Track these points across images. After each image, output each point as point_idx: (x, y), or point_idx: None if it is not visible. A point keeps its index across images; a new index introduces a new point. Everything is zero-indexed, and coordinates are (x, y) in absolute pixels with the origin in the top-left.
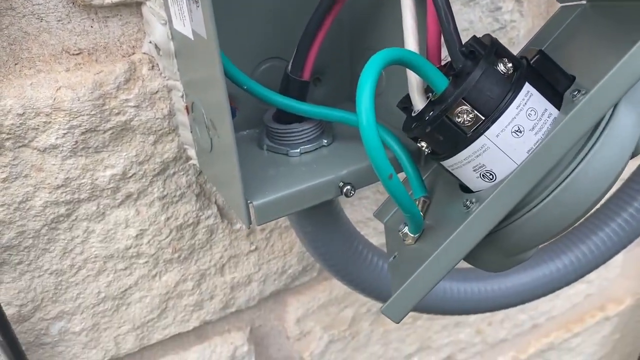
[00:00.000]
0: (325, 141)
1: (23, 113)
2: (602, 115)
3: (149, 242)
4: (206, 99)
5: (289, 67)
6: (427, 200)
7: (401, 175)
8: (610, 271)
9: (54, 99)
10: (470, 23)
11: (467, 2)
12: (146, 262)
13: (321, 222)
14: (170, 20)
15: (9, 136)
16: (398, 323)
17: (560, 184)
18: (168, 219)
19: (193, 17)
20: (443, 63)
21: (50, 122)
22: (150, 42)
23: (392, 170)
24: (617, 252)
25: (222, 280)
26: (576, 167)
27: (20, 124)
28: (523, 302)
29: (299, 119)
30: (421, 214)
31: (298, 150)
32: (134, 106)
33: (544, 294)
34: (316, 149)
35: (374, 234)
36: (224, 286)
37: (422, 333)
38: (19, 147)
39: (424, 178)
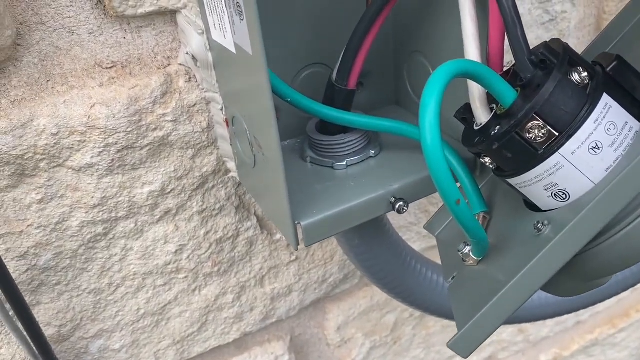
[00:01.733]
0: (373, 152)
1: (57, 132)
2: None
3: (188, 257)
4: (250, 117)
5: (334, 75)
6: (488, 216)
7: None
8: None
9: (89, 117)
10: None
11: None
12: (186, 277)
13: (369, 235)
14: (207, 30)
15: (44, 157)
16: (466, 358)
17: None
18: (207, 232)
19: (236, 30)
20: (505, 69)
21: (85, 141)
22: (187, 53)
23: (460, 195)
24: None
25: (262, 291)
26: None
27: (55, 143)
28: (594, 304)
29: (344, 129)
30: (487, 238)
31: (344, 162)
32: (171, 121)
33: (616, 294)
34: (363, 160)
35: (417, 239)
36: (264, 297)
37: None
38: (54, 167)
39: (480, 187)
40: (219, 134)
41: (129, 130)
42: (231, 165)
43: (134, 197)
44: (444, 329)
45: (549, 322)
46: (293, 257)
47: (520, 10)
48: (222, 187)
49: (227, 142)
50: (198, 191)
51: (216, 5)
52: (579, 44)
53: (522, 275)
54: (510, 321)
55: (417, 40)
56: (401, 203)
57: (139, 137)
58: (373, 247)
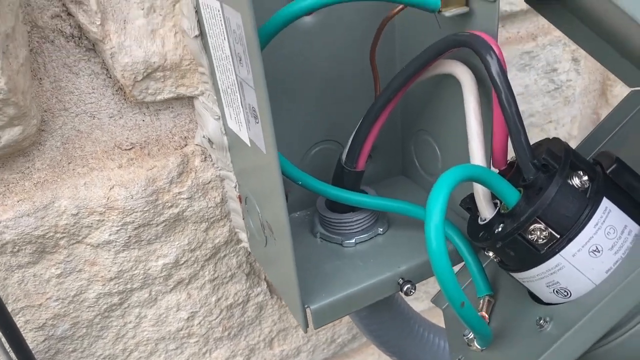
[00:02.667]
0: (381, 229)
1: (77, 213)
2: None
3: (199, 323)
4: (263, 204)
5: (344, 157)
6: (492, 300)
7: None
8: None
9: (107, 198)
10: (525, 87)
11: (523, 67)
12: (197, 341)
13: (378, 307)
14: (223, 116)
15: (63, 235)
16: None
17: None
18: (219, 299)
19: (250, 127)
20: (509, 161)
21: (103, 220)
22: (203, 136)
23: (465, 298)
24: None
25: (271, 353)
26: None
27: (74, 223)
28: None
29: (353, 207)
30: (491, 333)
31: (353, 240)
32: (186, 198)
33: None
34: (371, 238)
35: (425, 297)
36: (272, 359)
37: None
38: (73, 244)
39: (484, 265)
40: (231, 207)
41: (145, 209)
42: (243, 236)
43: (149, 269)
44: None
45: None
46: None
47: (526, 80)
48: (234, 255)
49: (240, 215)
50: (210, 261)
51: (232, 101)
52: (583, 108)
53: None
54: None
55: (423, 119)
56: (409, 285)
57: (155, 215)
58: (381, 317)
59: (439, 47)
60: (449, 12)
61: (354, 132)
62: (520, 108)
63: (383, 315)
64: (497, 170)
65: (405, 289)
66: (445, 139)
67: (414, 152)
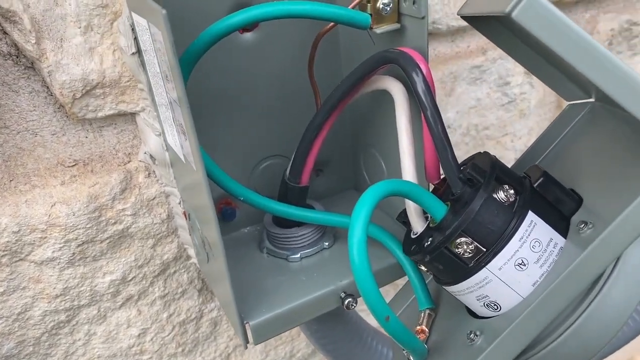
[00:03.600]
0: (327, 244)
1: (18, 230)
2: (611, 259)
3: (151, 339)
4: (201, 221)
5: (287, 174)
6: (433, 313)
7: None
8: None
9: (49, 215)
10: (478, 100)
11: (474, 80)
12: (150, 357)
13: (327, 320)
14: (164, 133)
15: (5, 252)
16: None
17: (569, 327)
18: (170, 315)
19: (183, 144)
20: (442, 177)
21: (46, 237)
22: (145, 153)
23: (389, 312)
24: None
25: None
26: (584, 311)
27: (16, 240)
28: None
29: (299, 222)
30: (424, 346)
31: (298, 255)
32: (131, 214)
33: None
34: (317, 252)
35: None
36: None
37: None
38: (16, 261)
39: (428, 280)
40: (178, 223)
41: (88, 226)
42: (192, 252)
43: (96, 286)
44: None
45: None
46: None
47: (479, 94)
48: (184, 271)
49: (187, 231)
50: (159, 277)
51: (167, 117)
52: (540, 120)
53: None
54: None
55: (370, 135)
56: (350, 299)
57: (99, 232)
58: (333, 331)
59: (371, 63)
60: (380, 29)
61: (296, 148)
62: (474, 121)
63: (334, 329)
64: (431, 185)
65: (346, 302)
66: (389, 153)
67: (363, 166)
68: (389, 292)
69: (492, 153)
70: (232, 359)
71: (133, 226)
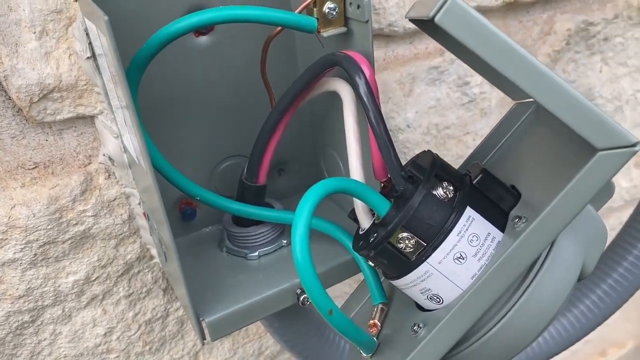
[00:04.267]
0: (285, 241)
1: None
2: (541, 249)
3: (118, 338)
4: (156, 222)
5: (244, 173)
6: (385, 308)
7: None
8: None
9: (9, 217)
10: (437, 101)
11: (432, 81)
12: (117, 356)
13: (288, 316)
14: (121, 135)
15: None
16: None
17: (504, 317)
18: (136, 314)
19: (134, 145)
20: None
21: (6, 239)
22: (103, 155)
23: (333, 305)
24: (591, 329)
25: None
26: (518, 300)
27: None
28: None
29: (257, 221)
30: (371, 338)
31: (256, 253)
32: (92, 215)
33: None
34: (275, 250)
35: None
36: None
37: None
38: None
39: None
40: (140, 224)
41: (49, 227)
42: (154, 251)
43: (59, 286)
44: None
45: None
46: None
47: (438, 94)
48: (148, 271)
49: (148, 232)
50: (124, 277)
51: (121, 120)
52: None
53: None
54: None
55: (327, 135)
56: (305, 296)
57: (60, 233)
58: (294, 327)
59: (318, 66)
60: (327, 33)
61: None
62: (434, 121)
63: (296, 326)
64: (380, 184)
65: (302, 299)
66: (346, 154)
67: (323, 166)
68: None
69: (454, 151)
70: (200, 357)
71: (94, 227)
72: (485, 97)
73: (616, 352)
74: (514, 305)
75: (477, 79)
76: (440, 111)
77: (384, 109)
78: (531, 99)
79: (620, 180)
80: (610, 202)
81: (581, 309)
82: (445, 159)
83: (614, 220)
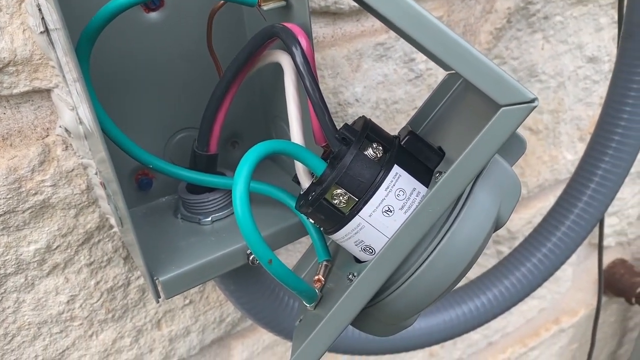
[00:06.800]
0: None
1: None
2: (455, 195)
3: (81, 305)
4: (110, 188)
5: (195, 143)
6: (329, 264)
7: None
8: (562, 285)
9: None
10: (385, 76)
11: (379, 57)
12: (81, 323)
13: (243, 278)
14: (76, 107)
15: None
16: None
17: (426, 259)
18: (98, 283)
19: (87, 116)
20: None
21: None
22: (60, 126)
23: (272, 255)
24: (526, 295)
25: (160, 333)
26: (438, 245)
27: None
28: (429, 344)
29: (210, 189)
30: (311, 288)
31: (209, 219)
32: (50, 185)
33: (452, 337)
34: (228, 215)
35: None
36: (162, 339)
37: None
38: None
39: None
40: (98, 194)
41: (9, 197)
42: (113, 221)
43: (21, 254)
44: (352, 357)
45: (460, 344)
46: (187, 301)
47: (385, 70)
48: (109, 240)
49: (106, 201)
50: (84, 246)
51: (75, 92)
52: None
53: (330, 316)
54: (340, 350)
55: (276, 106)
56: (254, 256)
57: (20, 202)
58: (248, 290)
59: (258, 38)
60: (267, 6)
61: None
62: (383, 96)
63: (250, 288)
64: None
65: (251, 258)
66: None
67: (274, 137)
68: None
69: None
70: (162, 324)
71: (54, 197)
72: (432, 74)
73: (569, 320)
74: (434, 249)
75: (423, 55)
76: (388, 86)
77: (332, 84)
78: None
79: (566, 153)
80: (557, 174)
81: (522, 271)
82: (395, 133)
83: (559, 191)
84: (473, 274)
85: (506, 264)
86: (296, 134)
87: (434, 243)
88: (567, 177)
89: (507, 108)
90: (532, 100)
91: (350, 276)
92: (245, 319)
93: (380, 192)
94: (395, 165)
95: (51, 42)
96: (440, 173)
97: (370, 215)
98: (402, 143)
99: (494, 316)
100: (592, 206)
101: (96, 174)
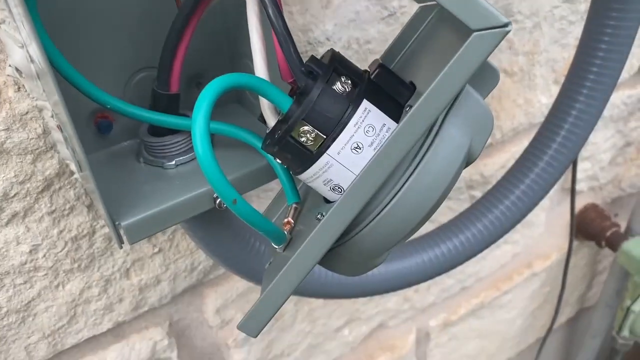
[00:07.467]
0: None
1: None
2: (425, 128)
3: (44, 255)
4: (65, 128)
5: (155, 82)
6: (299, 207)
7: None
8: (535, 230)
9: None
10: (357, 13)
11: None
12: (45, 274)
13: (211, 224)
14: (26, 45)
15: None
16: (255, 337)
17: (395, 195)
18: (61, 232)
19: (36, 51)
20: None
21: None
22: (10, 66)
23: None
24: (498, 237)
25: (129, 283)
26: (407, 180)
27: None
28: (401, 287)
29: (173, 130)
30: (279, 229)
31: (173, 162)
32: (3, 129)
33: (424, 280)
34: (192, 159)
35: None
36: (131, 289)
37: (349, 306)
38: None
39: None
40: (56, 139)
41: None
42: (74, 167)
43: None
44: (326, 303)
45: (434, 289)
46: (156, 250)
47: (357, 7)
48: (70, 187)
49: (64, 146)
50: (44, 193)
51: (21, 29)
52: None
53: (298, 255)
54: (311, 295)
55: (242, 44)
56: (221, 199)
57: None
58: (217, 236)
59: None
60: None
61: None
62: (355, 35)
63: (219, 234)
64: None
65: (218, 202)
66: None
67: None
68: None
69: None
70: (131, 273)
71: (8, 141)
72: (405, 12)
73: (542, 264)
74: (404, 184)
75: None
76: (360, 25)
77: (302, 21)
78: (433, 1)
79: (540, 97)
80: (531, 117)
81: (495, 213)
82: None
83: (533, 135)
84: (446, 218)
85: (479, 206)
86: (260, 68)
87: (403, 179)
88: (541, 120)
89: (480, 33)
90: (506, 24)
91: (319, 216)
92: (217, 267)
93: (349, 129)
94: (365, 100)
95: None
96: (411, 107)
97: (339, 153)
98: (371, 77)
99: (467, 258)
100: (565, 147)
101: (52, 116)
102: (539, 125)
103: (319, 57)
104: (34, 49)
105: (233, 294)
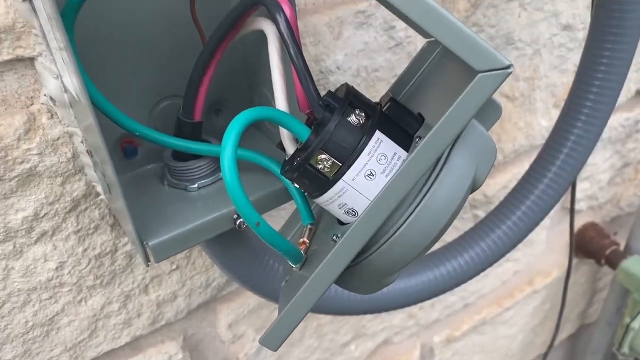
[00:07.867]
0: None
1: None
2: (434, 159)
3: (69, 272)
4: (97, 153)
5: (180, 110)
6: (313, 228)
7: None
8: (536, 248)
9: None
10: (365, 44)
11: (360, 25)
12: (70, 290)
13: (229, 244)
14: (61, 75)
15: None
16: (275, 351)
17: (407, 219)
18: (85, 250)
19: (74, 85)
20: None
21: None
22: (45, 95)
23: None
24: (501, 256)
25: (147, 298)
26: (418, 205)
27: None
28: (408, 305)
29: (196, 155)
30: (297, 249)
31: (196, 185)
32: (37, 154)
33: (431, 297)
34: (214, 182)
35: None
36: (149, 304)
37: (355, 323)
38: None
39: (313, 207)
40: (84, 162)
41: None
42: (100, 189)
43: (9, 222)
44: (334, 318)
45: (438, 306)
46: (174, 267)
47: (366, 38)
48: (95, 208)
49: (92, 169)
50: (71, 213)
51: (60, 60)
52: None
53: (316, 274)
54: (324, 312)
55: (260, 74)
56: (241, 220)
57: (7, 171)
58: (234, 254)
59: (242, 5)
60: None
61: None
62: (363, 63)
63: (236, 252)
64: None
65: (238, 222)
66: None
67: (258, 105)
68: None
69: (383, 93)
70: (150, 289)
71: (40, 165)
72: (411, 41)
73: (542, 281)
74: (414, 209)
75: (402, 23)
76: (368, 54)
77: (314, 52)
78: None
79: (540, 120)
80: (532, 140)
81: (498, 233)
82: (376, 100)
83: (534, 157)
84: (451, 237)
85: (483, 226)
86: (281, 101)
87: (414, 204)
88: (541, 142)
89: (484, 74)
90: (508, 67)
91: (334, 237)
92: (230, 283)
93: (363, 157)
94: (377, 131)
95: (34, 10)
96: (420, 138)
97: (353, 179)
98: (383, 109)
99: (472, 276)
100: (564, 170)
101: (82, 142)
102: (540, 147)
103: (329, 85)
104: (71, 80)
105: (244, 310)
